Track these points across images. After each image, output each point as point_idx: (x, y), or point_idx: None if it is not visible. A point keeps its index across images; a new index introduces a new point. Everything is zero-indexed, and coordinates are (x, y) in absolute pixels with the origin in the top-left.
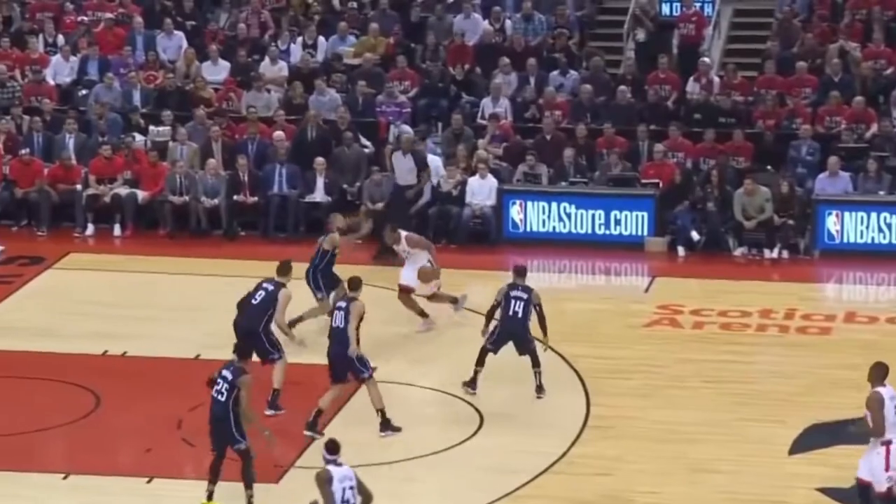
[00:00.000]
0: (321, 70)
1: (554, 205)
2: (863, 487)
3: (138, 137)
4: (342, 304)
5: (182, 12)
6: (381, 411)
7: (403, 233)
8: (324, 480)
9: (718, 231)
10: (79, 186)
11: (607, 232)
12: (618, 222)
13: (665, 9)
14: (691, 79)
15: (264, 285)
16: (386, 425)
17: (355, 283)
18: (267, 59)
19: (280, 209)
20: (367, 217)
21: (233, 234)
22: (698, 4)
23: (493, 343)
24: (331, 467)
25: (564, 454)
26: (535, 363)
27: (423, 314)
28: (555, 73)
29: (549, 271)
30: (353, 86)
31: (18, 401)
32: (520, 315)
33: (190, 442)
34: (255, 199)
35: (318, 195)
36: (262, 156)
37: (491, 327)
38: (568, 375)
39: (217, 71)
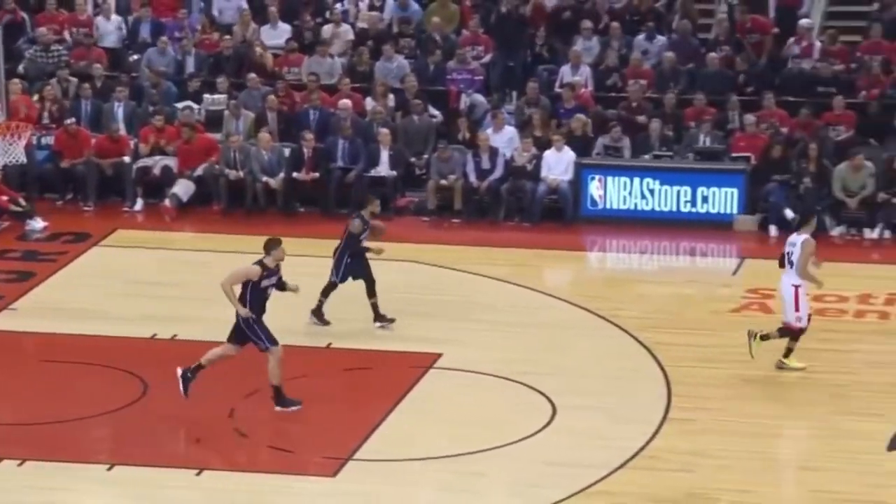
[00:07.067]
0: (387, 34)
1: (636, 180)
2: None
3: (193, 106)
4: None
5: None
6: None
7: None
8: None
9: (814, 209)
10: (127, 158)
11: (693, 210)
12: (705, 199)
13: None
14: (790, 41)
15: None
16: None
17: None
18: (330, 23)
19: (342, 184)
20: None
21: (291, 210)
22: None
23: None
24: None
25: (643, 448)
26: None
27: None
28: (640, 37)
29: (629, 252)
30: (423, 52)
31: (60, 387)
32: None
33: (242, 432)
34: (316, 174)
35: (383, 169)
36: (324, 127)
37: None
38: (649, 364)
39: (277, 35)
